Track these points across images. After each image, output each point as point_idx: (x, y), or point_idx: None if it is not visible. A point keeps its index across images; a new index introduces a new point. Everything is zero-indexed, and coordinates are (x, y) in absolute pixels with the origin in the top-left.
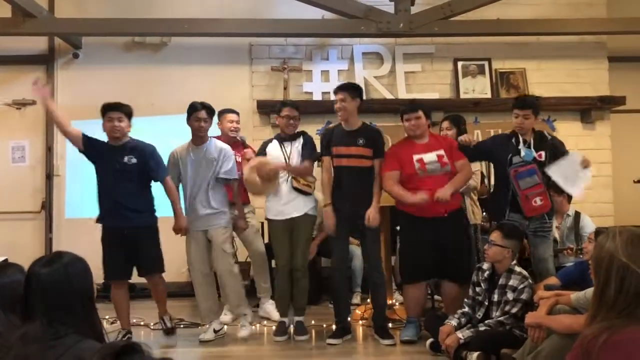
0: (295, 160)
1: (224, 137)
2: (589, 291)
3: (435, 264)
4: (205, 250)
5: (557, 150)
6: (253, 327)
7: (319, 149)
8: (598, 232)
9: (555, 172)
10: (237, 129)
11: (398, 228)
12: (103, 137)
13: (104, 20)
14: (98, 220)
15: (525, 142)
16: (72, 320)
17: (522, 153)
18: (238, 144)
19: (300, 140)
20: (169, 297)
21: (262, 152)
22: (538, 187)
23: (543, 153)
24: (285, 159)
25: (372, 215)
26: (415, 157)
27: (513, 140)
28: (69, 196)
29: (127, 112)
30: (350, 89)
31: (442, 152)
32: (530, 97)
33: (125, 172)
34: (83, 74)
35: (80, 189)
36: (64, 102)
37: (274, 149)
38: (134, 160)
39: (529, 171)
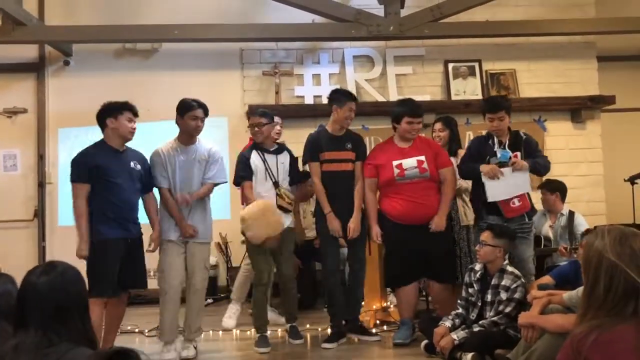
0: (282, 176)
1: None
2: (581, 290)
3: (421, 265)
4: (183, 262)
5: (530, 149)
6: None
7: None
8: (588, 231)
9: (496, 195)
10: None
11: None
12: (85, 142)
13: (94, 27)
14: (100, 235)
15: (501, 143)
16: (67, 328)
17: (498, 154)
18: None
19: (286, 155)
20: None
21: (246, 167)
22: None
23: (519, 153)
24: (269, 173)
25: (353, 227)
26: (395, 162)
27: (489, 141)
28: (61, 204)
29: (136, 113)
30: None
31: (423, 157)
32: (499, 97)
33: (133, 178)
34: (74, 81)
35: (70, 196)
36: (56, 109)
37: (258, 162)
38: (138, 167)
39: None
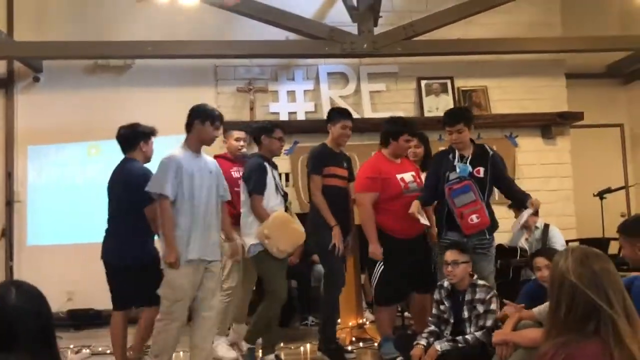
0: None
1: (230, 155)
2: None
3: (415, 278)
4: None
5: (496, 168)
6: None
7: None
8: (548, 250)
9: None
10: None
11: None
12: (70, 159)
13: (65, 43)
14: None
15: (462, 157)
16: (31, 350)
17: (458, 169)
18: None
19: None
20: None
21: (264, 179)
22: (474, 204)
23: (482, 169)
24: (279, 187)
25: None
26: (398, 176)
27: (450, 155)
28: (30, 223)
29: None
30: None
31: (414, 172)
32: (458, 109)
33: None
34: (44, 98)
35: (43, 215)
36: (25, 126)
37: (271, 175)
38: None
39: (464, 188)
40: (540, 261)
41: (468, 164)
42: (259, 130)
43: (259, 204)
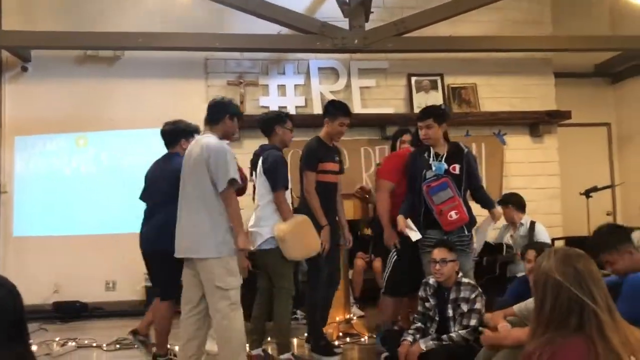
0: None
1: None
2: (530, 301)
3: (418, 276)
4: None
5: (470, 166)
6: None
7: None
8: (535, 244)
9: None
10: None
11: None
12: (58, 150)
13: (54, 33)
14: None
15: (437, 155)
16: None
17: (434, 168)
18: None
19: None
20: (122, 316)
21: (286, 171)
22: (452, 200)
23: (458, 166)
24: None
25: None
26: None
27: (425, 154)
28: (17, 214)
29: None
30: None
31: None
32: (432, 106)
33: None
34: (33, 88)
35: (30, 206)
36: (12, 116)
37: None
38: None
39: (442, 185)
40: (530, 253)
41: (443, 161)
42: (274, 121)
43: (284, 198)
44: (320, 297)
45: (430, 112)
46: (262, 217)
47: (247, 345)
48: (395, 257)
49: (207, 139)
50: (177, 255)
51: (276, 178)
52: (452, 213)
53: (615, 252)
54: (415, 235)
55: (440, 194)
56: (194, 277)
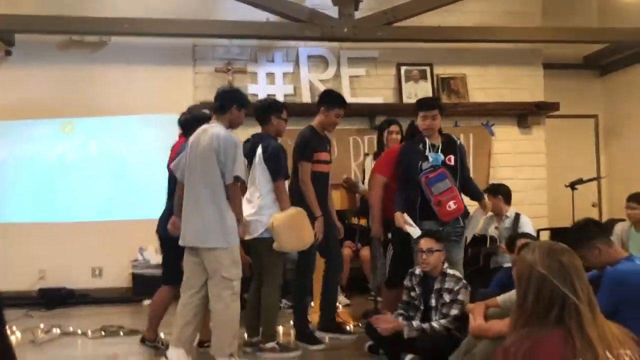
0: None
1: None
2: (513, 293)
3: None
4: None
5: (463, 157)
6: None
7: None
8: (522, 235)
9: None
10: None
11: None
12: (43, 136)
13: (39, 17)
14: None
15: (433, 146)
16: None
17: (430, 158)
18: None
19: None
20: (108, 303)
21: (286, 161)
22: (450, 190)
23: (453, 157)
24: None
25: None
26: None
27: (420, 146)
28: (1, 200)
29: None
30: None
31: None
32: (433, 97)
33: None
34: (16, 73)
35: (14, 192)
36: None
37: None
38: None
39: (439, 176)
40: (521, 242)
41: (439, 152)
42: (269, 110)
43: (284, 188)
44: (309, 286)
45: (437, 103)
46: (263, 206)
47: (245, 333)
48: (392, 251)
49: (216, 129)
50: (182, 243)
51: (278, 168)
52: (451, 203)
53: (584, 248)
54: (415, 231)
55: (439, 184)
56: (197, 265)
